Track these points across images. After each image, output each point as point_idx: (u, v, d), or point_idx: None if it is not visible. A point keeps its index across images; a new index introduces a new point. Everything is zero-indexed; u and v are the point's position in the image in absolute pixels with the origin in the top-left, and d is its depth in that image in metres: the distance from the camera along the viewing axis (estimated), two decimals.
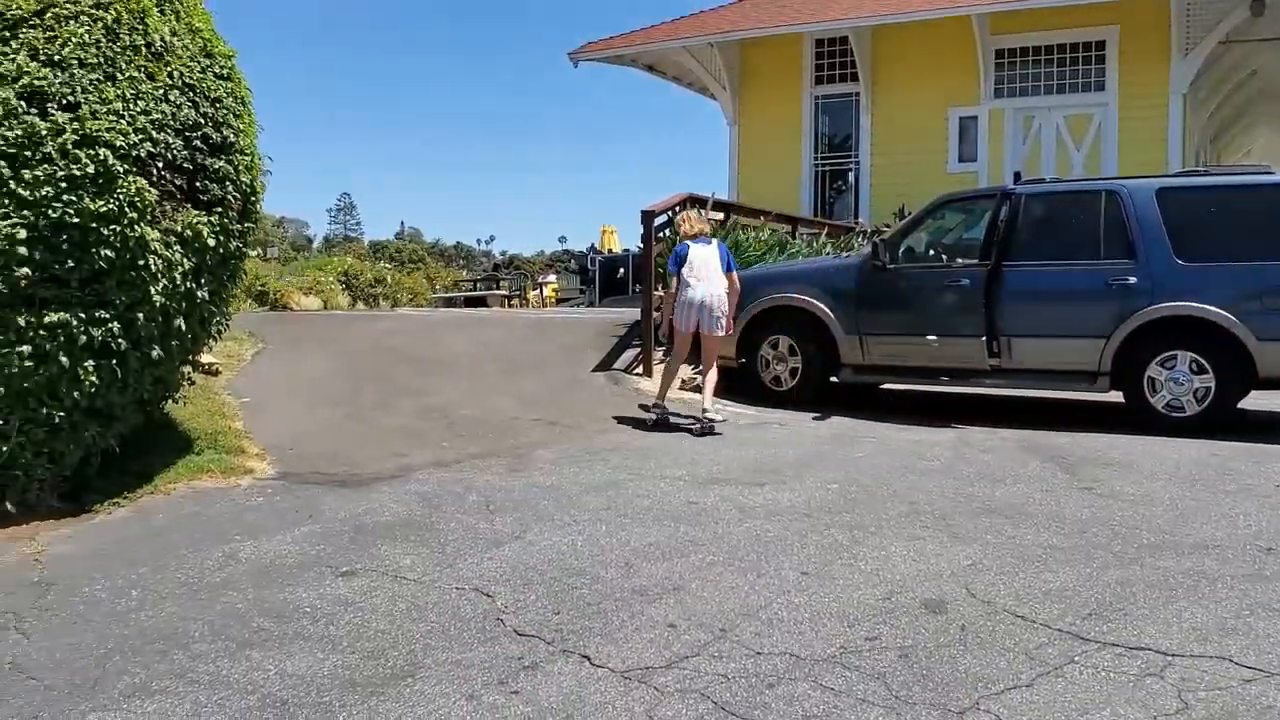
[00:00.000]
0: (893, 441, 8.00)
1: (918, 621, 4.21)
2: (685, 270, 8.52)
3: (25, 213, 5.54)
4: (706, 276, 8.56)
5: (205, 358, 8.21)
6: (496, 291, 26.69)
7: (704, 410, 8.40)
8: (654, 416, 8.65)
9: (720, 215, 12.51)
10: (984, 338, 8.86)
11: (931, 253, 9.76)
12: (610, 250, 25.96)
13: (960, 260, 9.37)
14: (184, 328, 6.21)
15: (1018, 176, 9.75)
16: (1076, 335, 8.63)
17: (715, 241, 9.05)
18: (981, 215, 9.46)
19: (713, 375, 8.70)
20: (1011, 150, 18.47)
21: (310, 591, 4.65)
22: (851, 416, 9.12)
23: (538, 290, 28.62)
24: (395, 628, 4.22)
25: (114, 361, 5.88)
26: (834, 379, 9.73)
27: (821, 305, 9.53)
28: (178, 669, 3.85)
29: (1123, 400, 8.67)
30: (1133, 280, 8.42)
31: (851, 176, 20.25)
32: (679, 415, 8.83)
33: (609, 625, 4.20)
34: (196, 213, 6.16)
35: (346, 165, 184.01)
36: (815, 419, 9.03)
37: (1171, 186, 8.76)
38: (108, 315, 5.81)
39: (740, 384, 10.06)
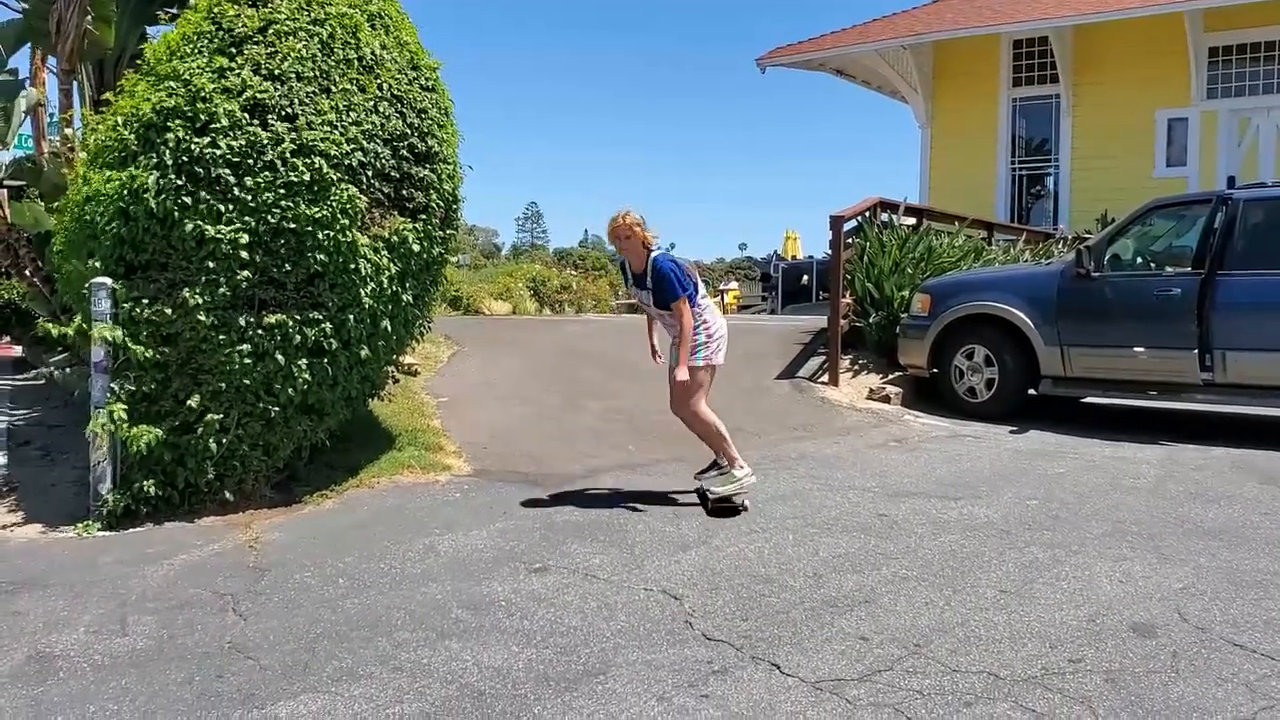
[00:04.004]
0: (1096, 457, 7.63)
1: (1125, 645, 4.00)
2: (697, 287, 6.25)
3: (247, 218, 5.91)
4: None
5: (406, 359, 8.53)
6: None
7: (720, 465, 6.30)
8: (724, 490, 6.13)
9: (912, 220, 12.25)
10: (1196, 350, 8.36)
11: (1139, 260, 9.28)
12: (794, 257, 25.74)
13: (1171, 269, 8.88)
14: (389, 329, 6.49)
15: (1231, 181, 9.18)
16: None
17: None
18: (1194, 222, 8.94)
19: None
20: (1225, 154, 17.37)
21: (505, 586, 4.77)
22: (1051, 431, 8.75)
23: (719, 297, 28.63)
24: (587, 625, 4.28)
25: (325, 360, 6.20)
26: (1032, 391, 9.35)
27: (1021, 314, 9.18)
28: (382, 655, 4.01)
29: None
30: None
31: (1050, 182, 19.48)
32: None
33: (798, 634, 4.14)
34: (402, 219, 6.43)
35: (534, 174, 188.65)
36: (1012, 432, 8.71)
37: None
38: (320, 316, 6.13)
39: (932, 395, 9.80)
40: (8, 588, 4.89)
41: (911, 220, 12.31)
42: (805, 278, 20.28)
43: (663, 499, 6.32)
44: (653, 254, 6.10)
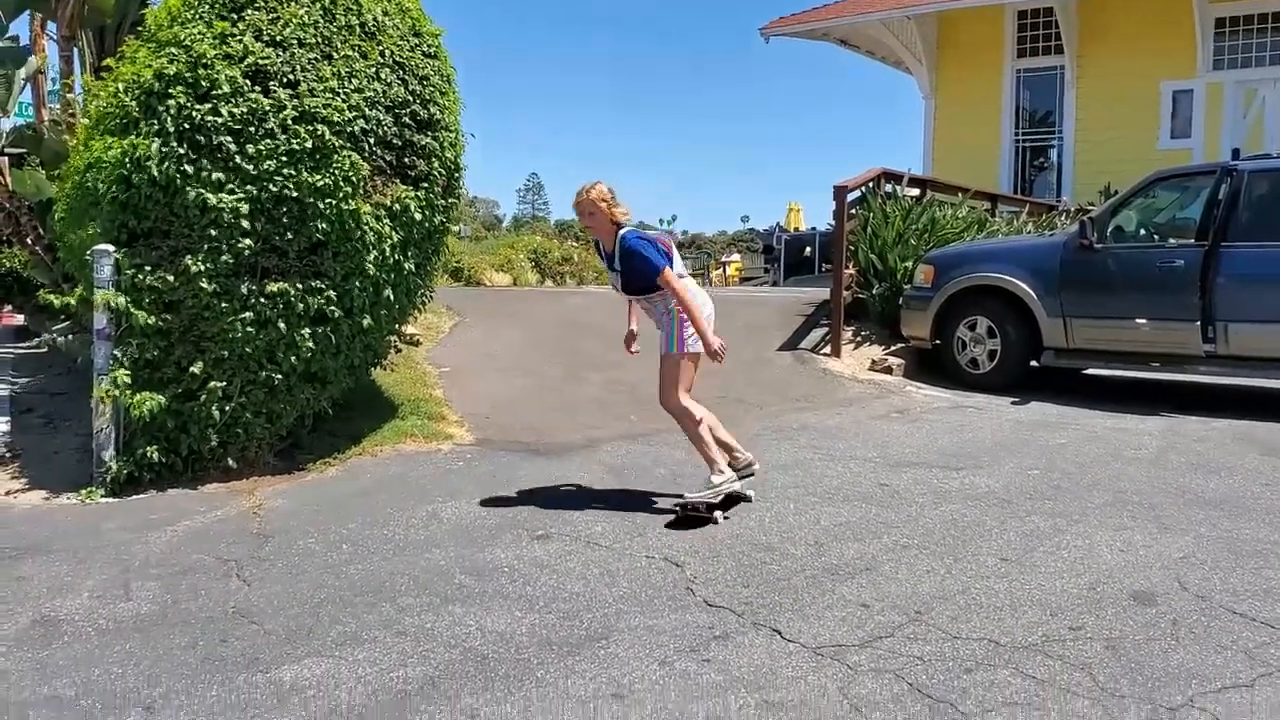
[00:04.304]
0: (1097, 428, 7.63)
1: (1126, 613, 4.01)
2: (675, 261, 5.42)
3: (249, 186, 5.90)
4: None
5: (408, 328, 8.53)
6: None
7: (738, 467, 5.57)
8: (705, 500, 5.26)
9: (916, 191, 12.21)
10: (1198, 322, 8.35)
11: (1143, 232, 9.24)
12: (796, 228, 25.68)
13: (1174, 240, 8.85)
14: (392, 298, 6.49)
15: (1236, 153, 9.13)
16: None
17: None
18: (1198, 193, 8.90)
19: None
20: (1230, 126, 17.29)
21: (508, 553, 4.79)
22: (1053, 402, 8.75)
23: (720, 269, 28.58)
24: (589, 591, 4.30)
25: (328, 329, 6.20)
26: (1034, 363, 9.35)
27: (1024, 285, 9.16)
28: (385, 620, 4.03)
29: None
30: None
31: (1053, 153, 19.41)
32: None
33: (799, 601, 4.16)
34: (404, 187, 6.42)
35: (534, 145, 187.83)
36: (1014, 403, 8.71)
37: None
38: (323, 285, 6.13)
39: (934, 366, 9.81)
40: (11, 553, 4.91)
41: (915, 191, 12.26)
42: (808, 249, 20.24)
43: (663, 467, 6.33)
44: (622, 231, 5.38)
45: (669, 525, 5.19)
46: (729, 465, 5.44)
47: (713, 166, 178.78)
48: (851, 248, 10.95)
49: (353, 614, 4.10)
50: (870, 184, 11.59)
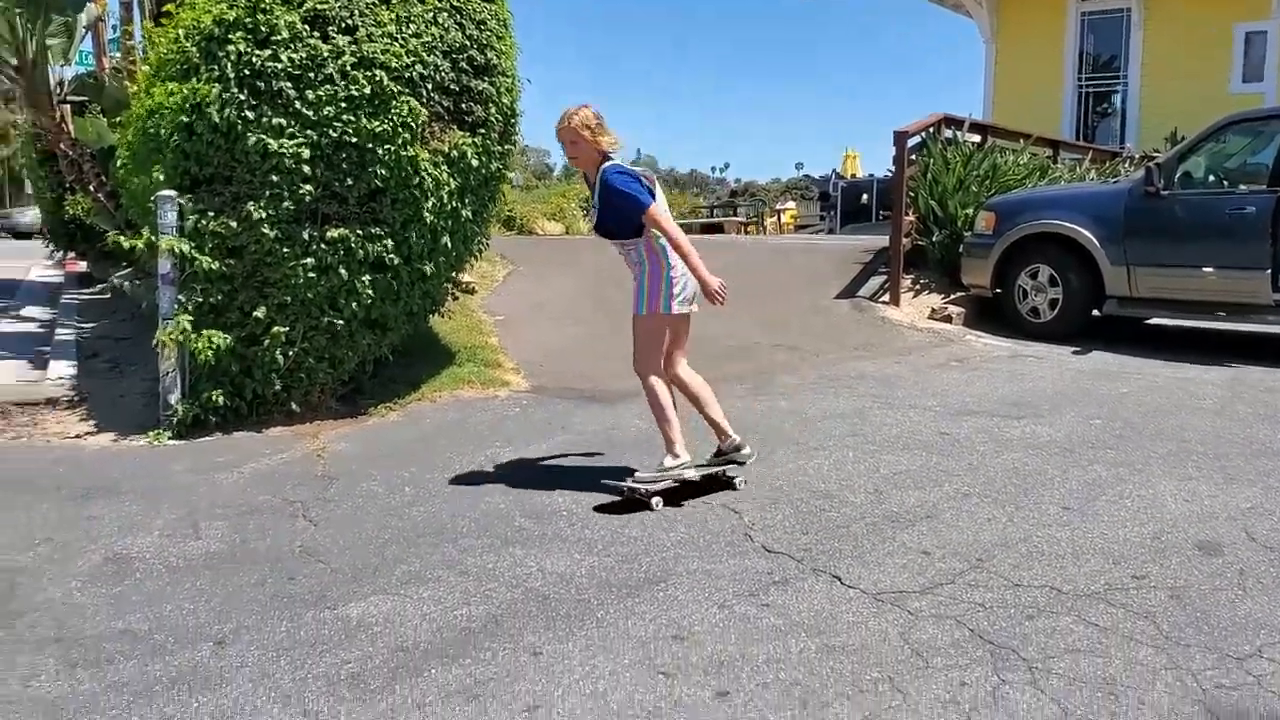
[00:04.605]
0: (1160, 378, 7.50)
1: (1190, 563, 3.96)
2: (663, 208, 4.77)
3: (309, 132, 5.92)
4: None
5: (464, 276, 8.57)
6: (733, 218, 26.57)
7: (725, 451, 5.01)
8: (648, 488, 4.68)
9: (977, 137, 11.98)
10: (1269, 270, 8.15)
11: (1212, 178, 9.00)
12: (853, 175, 25.34)
13: (1245, 187, 8.61)
14: (449, 245, 6.51)
15: None
16: None
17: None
18: (1272, 138, 8.66)
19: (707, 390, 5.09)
20: None
21: (565, 497, 4.83)
22: (1115, 352, 8.61)
23: (775, 217, 28.33)
24: (646, 535, 4.33)
25: (388, 276, 6.25)
26: (1096, 312, 9.19)
27: (1087, 233, 8.98)
28: (448, 560, 4.10)
29: None
30: None
31: (1118, 99, 18.92)
32: (715, 464, 5.02)
33: (859, 548, 4.16)
34: (462, 134, 6.41)
35: (587, 91, 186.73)
36: (1075, 353, 8.58)
37: None
38: (382, 232, 6.16)
39: (994, 315, 9.68)
40: (83, 493, 5.04)
41: (976, 137, 12.03)
42: (865, 197, 19.97)
43: None
44: (605, 164, 4.74)
45: (597, 508, 4.65)
46: (716, 451, 4.97)
47: (766, 113, 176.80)
48: (911, 194, 10.79)
49: (416, 554, 4.17)
50: (931, 130, 11.39)
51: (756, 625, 3.47)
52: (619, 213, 4.70)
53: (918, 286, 10.58)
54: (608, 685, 3.09)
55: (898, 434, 5.90)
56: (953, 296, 10.31)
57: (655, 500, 4.64)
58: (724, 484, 4.94)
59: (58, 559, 4.18)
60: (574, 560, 4.08)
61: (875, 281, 10.63)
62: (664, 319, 4.79)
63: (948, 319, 9.71)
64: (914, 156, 10.96)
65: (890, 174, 11.38)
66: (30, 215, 33.09)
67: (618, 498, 4.71)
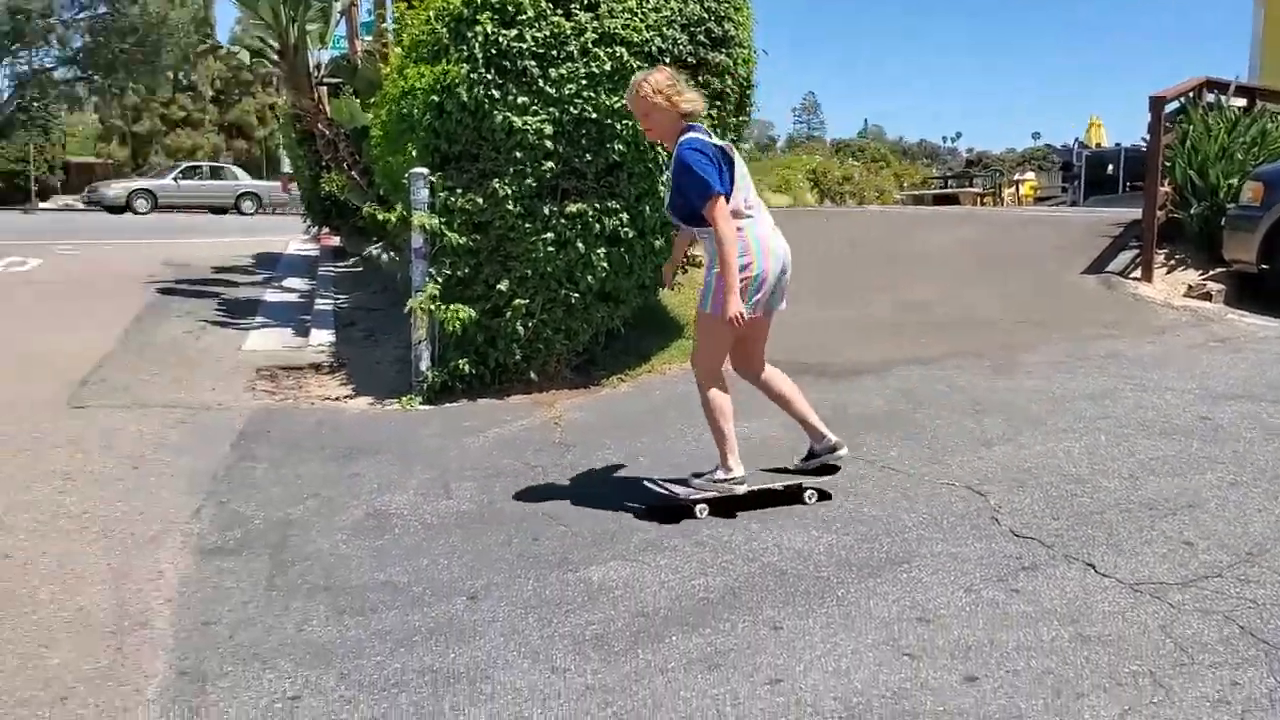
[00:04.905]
0: None
1: None
2: (738, 186, 4.21)
3: (551, 109, 6.07)
4: (760, 203, 4.44)
5: (695, 249, 8.61)
6: (969, 189, 25.67)
7: (819, 452, 4.54)
8: (699, 495, 4.31)
9: (1242, 101, 11.06)
10: None
11: None
12: (1097, 145, 23.97)
13: None
14: None
15: None
16: None
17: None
18: None
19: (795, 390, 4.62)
20: None
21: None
22: None
23: (1013, 188, 27.17)
24: (887, 515, 4.25)
25: (622, 249, 6.35)
26: None
27: None
28: (684, 530, 4.14)
29: None
30: None
31: None
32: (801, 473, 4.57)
33: (1114, 536, 3.94)
34: None
35: (811, 62, 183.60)
36: None
37: None
38: (618, 206, 6.26)
39: (1259, 293, 8.95)
40: (345, 452, 5.37)
41: (1242, 101, 11.10)
42: (1110, 167, 18.88)
43: (960, 393, 6.12)
44: (684, 135, 4.21)
45: (638, 515, 4.33)
46: (808, 452, 4.53)
47: (1000, 79, 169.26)
48: (1167, 163, 10.09)
49: (652, 522, 4.23)
50: (1190, 94, 10.59)
51: (1005, 611, 3.35)
52: (683, 197, 4.16)
53: (1172, 262, 9.89)
54: (850, 663, 3.06)
55: (1153, 417, 5.55)
56: (1212, 273, 9.58)
57: (700, 508, 4.26)
58: (789, 498, 4.42)
59: (324, 513, 4.48)
60: (811, 537, 4.04)
61: (1125, 256, 10.00)
62: (714, 320, 4.22)
63: (1206, 296, 9.04)
64: (1170, 124, 10.23)
65: (1143, 143, 10.64)
66: (116, 189, 31.60)
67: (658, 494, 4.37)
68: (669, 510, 4.31)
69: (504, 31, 6.05)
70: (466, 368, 6.33)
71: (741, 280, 4.10)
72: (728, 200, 4.09)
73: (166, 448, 5.38)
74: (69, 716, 2.83)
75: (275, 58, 10.43)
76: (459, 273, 6.27)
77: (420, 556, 3.97)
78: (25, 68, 40.29)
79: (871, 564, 3.77)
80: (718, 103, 6.50)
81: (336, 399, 6.65)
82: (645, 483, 4.50)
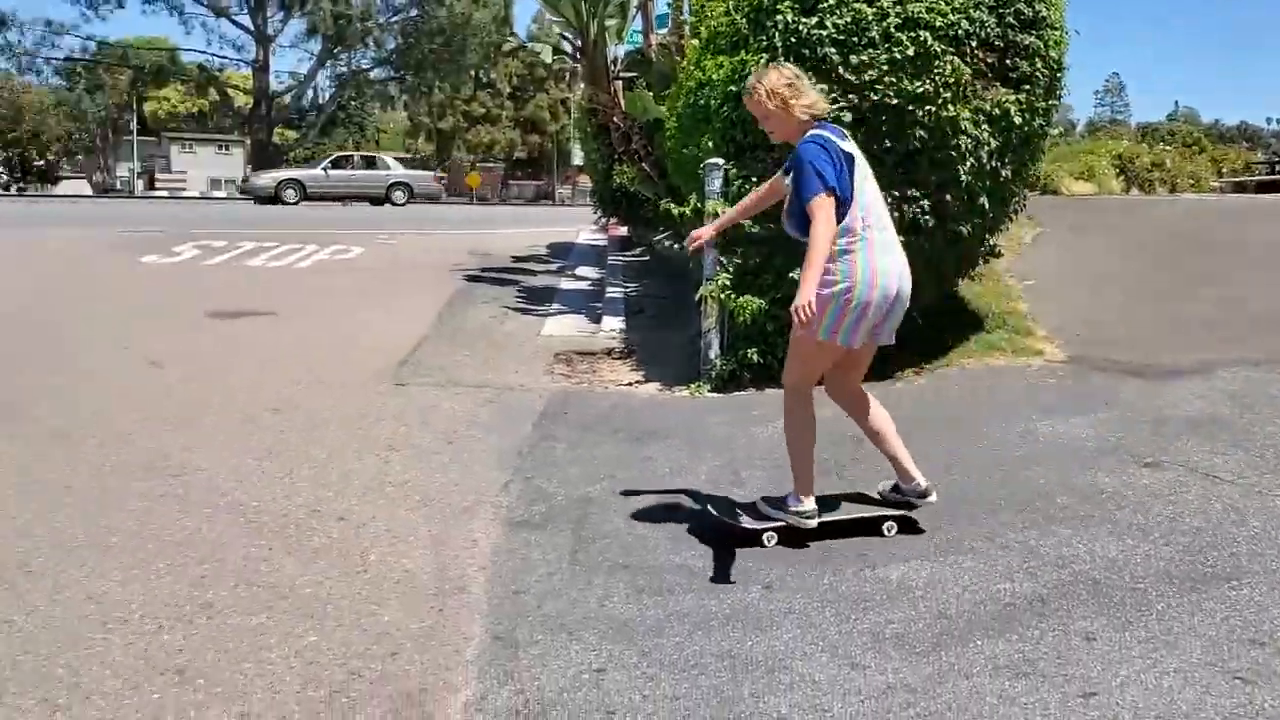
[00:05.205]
0: None
1: None
2: (858, 200, 3.79)
3: (850, 95, 5.98)
4: (888, 222, 3.98)
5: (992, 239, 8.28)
6: None
7: (906, 493, 4.15)
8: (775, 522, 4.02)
9: None
10: None
11: None
12: None
13: None
14: (986, 206, 6.29)
15: None
16: None
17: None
18: None
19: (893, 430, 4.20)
20: None
21: (1112, 478, 4.51)
22: None
23: None
24: (1212, 527, 3.92)
25: (921, 238, 6.17)
26: None
27: None
28: (987, 533, 3.99)
29: None
30: None
31: None
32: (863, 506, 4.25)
33: None
34: (1005, 90, 6.14)
35: (1117, 41, 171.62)
36: None
37: None
38: (918, 194, 6.09)
39: None
40: (638, 435, 5.52)
41: None
42: None
43: None
44: (810, 132, 3.85)
45: (704, 539, 4.04)
46: (895, 486, 4.16)
47: None
48: None
49: (952, 523, 4.10)
50: None
51: None
52: (797, 192, 3.78)
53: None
54: (1174, 682, 2.86)
55: None
56: None
57: (768, 536, 3.97)
58: (866, 528, 4.06)
59: (620, 493, 4.61)
60: (1127, 546, 3.79)
61: None
62: (824, 344, 3.85)
63: None
64: None
65: None
66: (265, 179, 30.91)
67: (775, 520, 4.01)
68: (732, 537, 4.00)
69: (804, 19, 6.00)
70: (755, 357, 6.35)
71: (840, 305, 3.74)
72: (841, 205, 3.70)
73: (477, 425, 5.70)
74: (399, 671, 3.05)
75: (575, 54, 10.84)
76: (750, 261, 6.29)
77: (714, 543, 4.01)
78: (345, 70, 43.95)
79: (1195, 578, 3.50)
80: (1025, 87, 6.19)
81: (628, 384, 6.84)
82: (707, 506, 4.27)
